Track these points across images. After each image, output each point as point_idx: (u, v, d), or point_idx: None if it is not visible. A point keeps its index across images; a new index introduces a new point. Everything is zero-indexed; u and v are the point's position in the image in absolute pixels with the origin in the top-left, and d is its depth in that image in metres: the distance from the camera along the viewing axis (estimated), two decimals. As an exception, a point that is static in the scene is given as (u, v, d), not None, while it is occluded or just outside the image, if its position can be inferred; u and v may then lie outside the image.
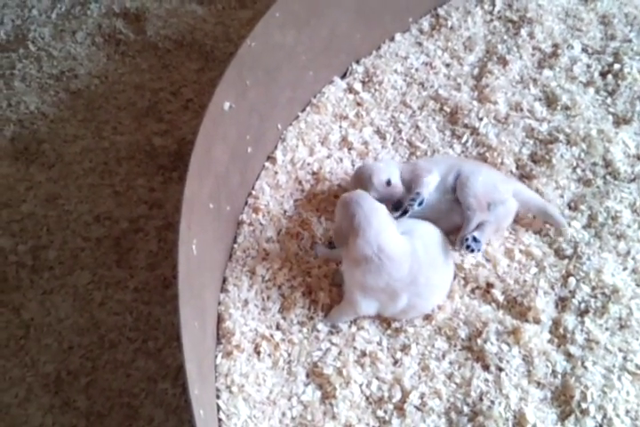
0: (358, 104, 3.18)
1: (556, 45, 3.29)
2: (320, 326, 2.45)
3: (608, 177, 2.76)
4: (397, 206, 2.51)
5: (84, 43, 3.76)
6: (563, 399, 2.19)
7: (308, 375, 2.33)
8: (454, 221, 2.57)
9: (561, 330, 2.34)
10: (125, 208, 2.99)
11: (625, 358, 2.25)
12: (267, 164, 2.95)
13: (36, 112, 3.44)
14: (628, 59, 3.15)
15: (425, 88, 3.21)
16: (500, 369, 2.26)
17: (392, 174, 2.61)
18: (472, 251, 2.43)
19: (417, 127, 3.05)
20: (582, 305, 2.39)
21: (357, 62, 3.36)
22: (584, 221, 2.62)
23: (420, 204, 2.50)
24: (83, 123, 3.38)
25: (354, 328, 2.42)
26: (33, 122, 3.39)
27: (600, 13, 3.43)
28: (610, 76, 3.11)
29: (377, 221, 2.28)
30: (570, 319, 2.35)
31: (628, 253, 2.52)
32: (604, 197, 2.67)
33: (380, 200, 2.48)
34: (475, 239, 2.43)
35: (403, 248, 2.30)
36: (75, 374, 2.54)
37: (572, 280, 2.45)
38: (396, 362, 2.34)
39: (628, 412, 2.14)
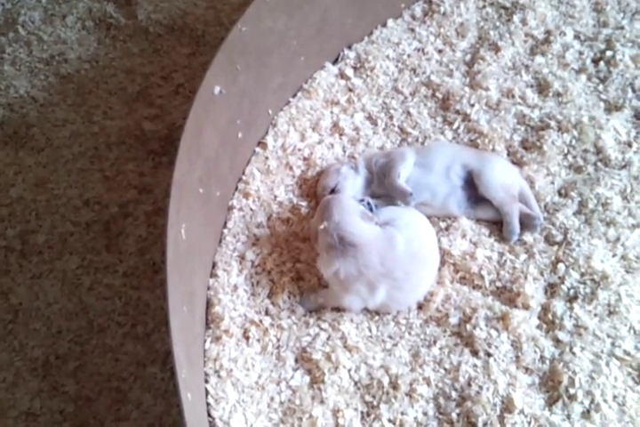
0: (350, 90, 3.16)
1: (548, 32, 3.28)
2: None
3: (599, 164, 2.76)
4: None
5: (75, 27, 3.73)
6: (551, 385, 2.20)
7: (296, 360, 2.33)
8: (449, 207, 2.59)
9: (550, 316, 2.34)
10: (115, 193, 2.98)
11: (613, 344, 2.26)
12: (257, 149, 2.94)
13: (25, 96, 3.42)
14: (621, 46, 3.14)
15: (417, 74, 3.20)
16: (489, 355, 2.27)
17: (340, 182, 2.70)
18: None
19: (408, 113, 3.03)
20: (571, 291, 2.40)
21: (349, 48, 3.33)
22: (574, 208, 2.62)
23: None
24: (72, 107, 3.36)
25: (343, 313, 2.42)
26: (22, 106, 3.37)
27: (593, 0, 3.42)
28: (602, 63, 3.10)
29: (337, 211, 2.33)
30: (559, 305, 2.36)
31: (618, 239, 2.52)
32: (594, 183, 2.67)
33: None
34: None
35: (366, 236, 2.32)
36: (63, 358, 2.54)
37: (561, 266, 2.45)
38: (384, 347, 2.34)
39: (615, 397, 2.15)
